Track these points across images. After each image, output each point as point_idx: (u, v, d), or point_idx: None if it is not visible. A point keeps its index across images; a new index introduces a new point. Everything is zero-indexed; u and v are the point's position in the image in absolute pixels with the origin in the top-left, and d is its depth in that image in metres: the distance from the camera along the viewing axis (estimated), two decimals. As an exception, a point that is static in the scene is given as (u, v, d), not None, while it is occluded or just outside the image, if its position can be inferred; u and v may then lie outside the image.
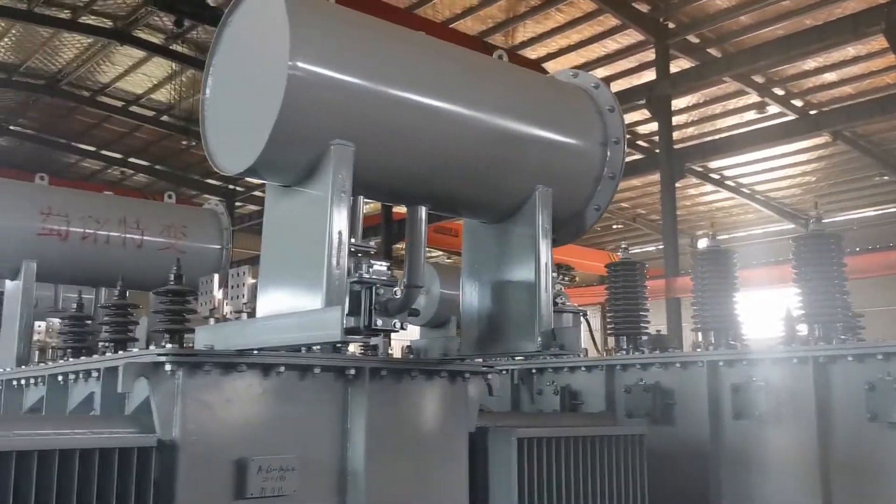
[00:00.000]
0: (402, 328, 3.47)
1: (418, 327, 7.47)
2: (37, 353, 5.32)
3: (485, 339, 3.86)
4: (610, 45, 16.34)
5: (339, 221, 3.09)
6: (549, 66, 16.97)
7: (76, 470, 2.92)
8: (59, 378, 4.20)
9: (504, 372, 6.46)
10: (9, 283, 5.50)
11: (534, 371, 6.40)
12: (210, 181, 25.64)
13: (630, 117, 18.65)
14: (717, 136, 18.59)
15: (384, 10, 14.79)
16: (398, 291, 3.44)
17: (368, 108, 3.16)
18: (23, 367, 4.93)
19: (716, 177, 22.17)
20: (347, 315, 3.21)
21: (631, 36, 15.82)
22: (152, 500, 3.12)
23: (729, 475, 5.26)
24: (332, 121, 3.07)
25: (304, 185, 3.21)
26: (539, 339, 3.58)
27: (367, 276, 3.32)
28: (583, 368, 6.08)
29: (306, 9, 3.12)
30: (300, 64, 2.97)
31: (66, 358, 4.53)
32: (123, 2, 16.42)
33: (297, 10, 3.02)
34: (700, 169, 21.04)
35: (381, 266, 3.36)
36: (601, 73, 16.92)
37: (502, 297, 3.82)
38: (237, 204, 26.29)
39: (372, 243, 3.36)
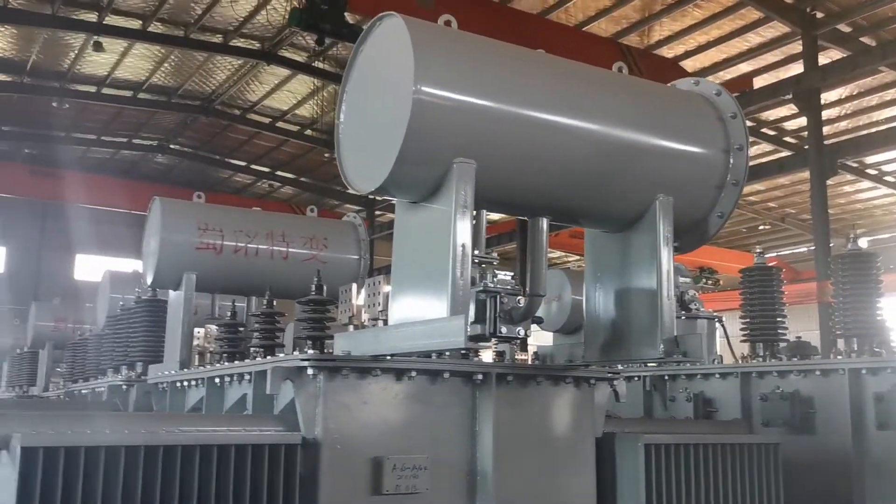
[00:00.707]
0: (526, 335, 3.62)
1: (551, 333, 7.56)
2: (196, 356, 5.80)
3: (608, 345, 3.94)
4: (753, 38, 15.78)
5: (463, 234, 3.27)
6: (687, 63, 16.62)
7: (232, 463, 3.25)
8: (217, 380, 4.61)
9: (636, 378, 6.46)
10: (172, 294, 6.04)
11: (666, 378, 6.34)
12: (351, 191, 26.60)
13: (776, 113, 17.94)
14: (873, 130, 17.55)
15: (517, 17, 14.95)
16: (521, 300, 3.60)
17: (488, 126, 3.33)
18: (185, 370, 5.41)
19: (873, 172, 20.88)
20: (473, 323, 3.40)
21: (776, 28, 15.21)
22: (298, 493, 3.41)
23: (873, 487, 5.05)
24: (455, 140, 3.26)
25: (430, 200, 3.42)
26: (661, 346, 3.63)
27: (492, 285, 3.50)
28: (717, 375, 5.97)
29: (429, 36, 3.33)
30: (424, 88, 3.18)
31: (221, 362, 4.94)
32: (269, 24, 17.40)
33: (420, 38, 3.24)
34: (855, 164, 19.90)
35: (505, 276, 3.53)
36: (744, 68, 16.38)
37: (625, 305, 3.88)
38: (377, 213, 27.17)
39: (494, 254, 3.53)
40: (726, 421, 5.58)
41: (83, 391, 7.95)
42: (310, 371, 3.56)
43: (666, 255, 3.72)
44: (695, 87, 4.12)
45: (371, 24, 3.48)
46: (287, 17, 14.62)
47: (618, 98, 3.78)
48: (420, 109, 3.16)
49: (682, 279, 6.83)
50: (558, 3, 15.13)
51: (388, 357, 3.66)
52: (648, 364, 6.37)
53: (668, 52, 16.46)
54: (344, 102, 3.65)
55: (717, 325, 6.71)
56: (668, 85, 4.22)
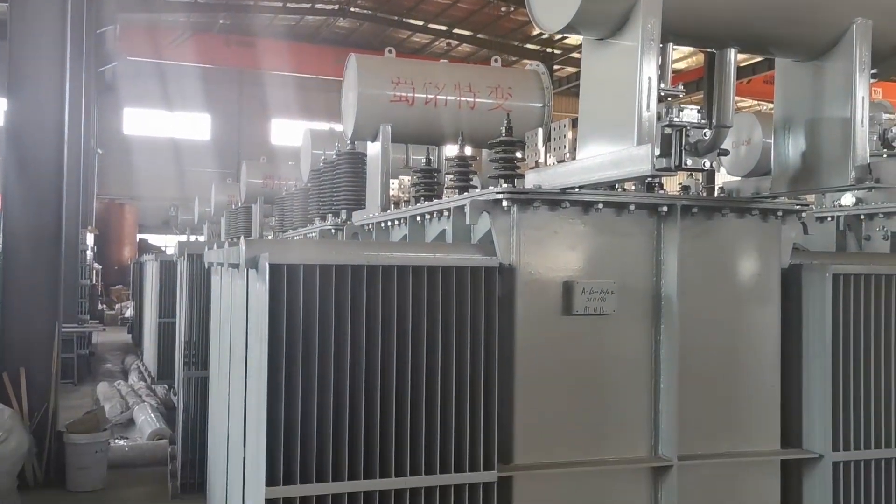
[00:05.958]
0: (711, 167, 3.73)
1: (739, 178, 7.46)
2: (392, 206, 6.30)
3: (797, 176, 3.95)
4: None
5: (649, 68, 3.38)
6: None
7: (440, 283, 3.68)
8: (418, 218, 5.06)
9: (829, 219, 6.33)
10: (370, 145, 6.52)
11: (862, 217, 6.17)
12: (529, 46, 26.30)
13: None
14: None
15: None
16: (707, 133, 3.68)
17: (675, -44, 3.35)
18: (387, 211, 5.93)
19: None
20: (659, 156, 3.54)
21: None
22: (497, 311, 3.81)
23: None
24: (637, -28, 3.31)
25: (617, 36, 3.53)
26: (853, 173, 3.60)
27: (678, 119, 3.60)
28: (918, 212, 5.74)
29: None
30: (610, -78, 3.23)
31: (419, 202, 5.38)
32: None
33: None
34: None
35: (691, 109, 3.61)
36: None
37: (816, 134, 3.85)
38: (555, 67, 26.71)
39: (680, 86, 3.60)
40: (923, 257, 5.42)
41: (295, 238, 8.82)
42: (504, 203, 3.88)
43: (862, 82, 3.62)
44: None
45: None
46: None
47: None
48: (606, -57, 3.22)
49: (885, 115, 6.50)
50: None
51: (577, 189, 3.89)
52: (843, 203, 6.22)
53: None
54: (531, -56, 3.75)
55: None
56: None
